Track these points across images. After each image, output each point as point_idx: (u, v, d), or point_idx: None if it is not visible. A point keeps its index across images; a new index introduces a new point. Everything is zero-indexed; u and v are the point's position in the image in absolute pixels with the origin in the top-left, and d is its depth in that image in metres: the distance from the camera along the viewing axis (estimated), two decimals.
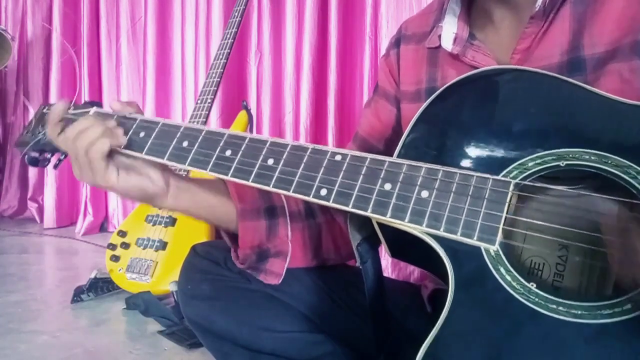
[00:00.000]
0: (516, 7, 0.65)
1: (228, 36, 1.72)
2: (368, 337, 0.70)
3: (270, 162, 0.59)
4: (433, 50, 0.74)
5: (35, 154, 0.77)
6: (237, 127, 1.72)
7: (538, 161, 0.50)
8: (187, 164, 0.62)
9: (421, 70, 0.76)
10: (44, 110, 0.78)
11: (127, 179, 0.65)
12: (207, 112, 1.65)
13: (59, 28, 2.62)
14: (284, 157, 0.58)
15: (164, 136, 0.65)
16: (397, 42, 0.82)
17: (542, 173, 0.49)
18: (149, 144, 0.65)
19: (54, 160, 0.79)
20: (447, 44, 0.70)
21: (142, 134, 0.66)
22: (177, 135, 0.64)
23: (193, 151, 0.63)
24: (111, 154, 0.64)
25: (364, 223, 0.61)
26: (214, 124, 2.07)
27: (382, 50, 1.67)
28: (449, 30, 0.70)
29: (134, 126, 0.67)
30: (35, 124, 0.77)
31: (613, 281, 0.48)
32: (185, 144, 0.64)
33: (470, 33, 0.69)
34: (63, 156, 0.77)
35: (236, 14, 1.74)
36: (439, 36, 0.71)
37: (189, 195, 0.70)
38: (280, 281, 0.74)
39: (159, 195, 0.67)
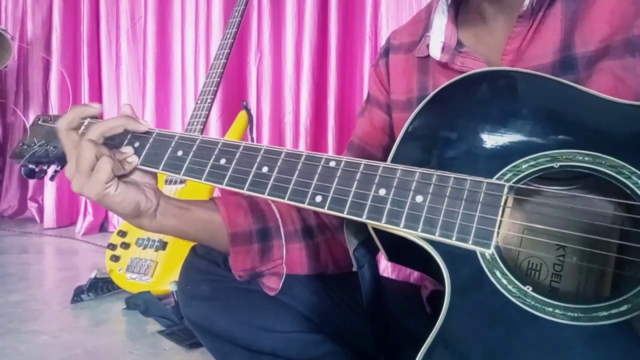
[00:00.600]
0: (508, 6, 0.65)
1: (228, 36, 1.72)
2: (368, 337, 0.70)
3: (265, 169, 0.59)
4: (422, 59, 0.74)
5: (31, 166, 0.76)
6: (237, 127, 1.72)
7: (532, 163, 0.49)
8: (182, 173, 0.62)
9: (412, 80, 0.75)
10: (39, 122, 0.78)
11: (126, 191, 0.62)
12: (207, 112, 1.65)
13: (59, 28, 2.62)
14: (279, 164, 0.58)
15: (158, 146, 0.64)
16: (385, 52, 0.82)
17: (536, 175, 0.49)
18: (143, 154, 0.64)
19: (50, 172, 0.78)
20: (436, 53, 0.69)
21: (136, 144, 0.65)
22: (172, 145, 0.64)
23: (188, 160, 0.62)
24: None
25: (360, 227, 0.61)
26: (214, 124, 2.07)
27: None
28: (437, 39, 0.69)
29: (128, 136, 0.66)
30: (31, 135, 0.77)
31: (610, 283, 0.48)
32: (179, 153, 0.63)
33: (458, 41, 0.69)
34: (59, 168, 0.76)
35: (236, 14, 1.74)
36: (428, 45, 0.71)
37: (178, 212, 0.68)
38: (275, 294, 0.74)
39: (149, 212, 0.65)
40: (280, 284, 0.74)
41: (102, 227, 2.62)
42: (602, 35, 0.58)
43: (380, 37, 1.68)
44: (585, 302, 0.44)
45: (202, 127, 1.63)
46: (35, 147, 0.74)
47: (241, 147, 0.61)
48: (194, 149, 0.63)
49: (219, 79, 1.68)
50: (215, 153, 0.61)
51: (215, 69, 1.69)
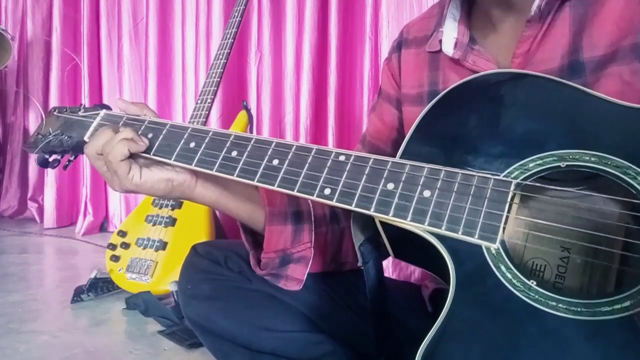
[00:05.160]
0: (516, 10, 0.65)
1: (228, 36, 1.72)
2: (368, 337, 0.70)
3: (275, 162, 0.60)
4: (434, 54, 0.74)
5: (45, 156, 0.78)
6: (237, 127, 1.72)
7: (539, 162, 0.50)
8: (194, 164, 0.64)
9: (423, 74, 0.76)
10: (55, 113, 0.80)
11: (151, 174, 0.66)
12: (207, 112, 1.64)
13: (59, 28, 2.62)
14: (289, 157, 0.59)
15: (171, 137, 0.67)
16: (398, 46, 0.82)
17: (543, 174, 0.50)
18: (156, 145, 0.67)
19: (63, 161, 0.80)
20: (448, 48, 0.70)
21: (150, 135, 0.68)
22: (185, 137, 0.66)
23: (200, 152, 0.64)
24: (132, 156, 0.65)
25: (366, 223, 0.61)
26: (214, 124, 2.07)
27: (382, 50, 1.67)
28: (450, 35, 0.70)
29: (141, 128, 0.69)
30: (46, 126, 0.79)
31: (614, 281, 0.48)
32: (192, 144, 0.65)
33: (470, 37, 0.69)
34: (73, 157, 0.78)
35: (236, 14, 1.74)
36: (440, 41, 0.71)
37: (219, 186, 0.70)
38: (301, 287, 0.74)
39: (188, 183, 0.68)
40: (306, 274, 0.74)
41: (102, 227, 2.62)
42: (611, 39, 0.58)
43: (381, 37, 1.67)
44: (589, 297, 0.44)
45: None
46: (50, 136, 0.76)
47: (253, 140, 0.63)
48: (206, 141, 0.65)
49: (219, 79, 1.68)
50: (227, 145, 0.63)
51: (215, 68, 1.69)
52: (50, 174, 2.61)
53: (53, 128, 0.77)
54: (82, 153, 0.71)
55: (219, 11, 2.11)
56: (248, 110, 1.73)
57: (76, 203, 2.71)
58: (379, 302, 0.65)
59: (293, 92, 1.92)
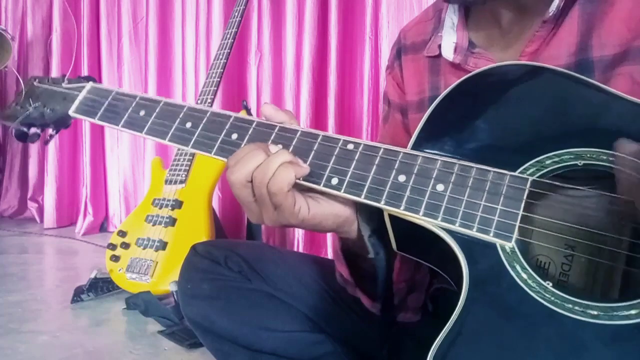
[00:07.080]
0: (526, 12, 0.64)
1: (228, 36, 1.72)
2: (368, 336, 0.70)
3: (279, 147, 0.56)
4: (433, 59, 0.73)
5: (23, 129, 0.73)
6: None
7: (555, 159, 0.49)
8: (190, 146, 0.59)
9: (423, 80, 0.75)
10: (35, 83, 0.75)
11: (320, 207, 0.56)
12: None
13: (59, 28, 2.62)
14: (294, 143, 0.56)
15: (165, 116, 0.62)
16: (398, 54, 0.81)
17: (559, 172, 0.48)
18: (149, 123, 0.62)
19: (44, 136, 0.75)
20: (448, 53, 0.69)
21: (142, 113, 0.63)
22: (180, 116, 0.61)
23: (197, 133, 0.59)
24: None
25: (372, 214, 0.59)
26: None
27: (382, 50, 1.67)
28: (449, 40, 0.69)
29: (132, 104, 0.64)
30: (25, 97, 0.74)
31: (619, 283, 0.48)
32: (188, 125, 0.60)
33: (469, 41, 0.69)
34: (55, 132, 0.74)
35: (236, 14, 1.74)
36: (439, 45, 0.70)
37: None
38: (419, 318, 0.70)
39: (350, 218, 0.59)
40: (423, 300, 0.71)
41: (102, 227, 2.62)
42: (621, 39, 0.58)
43: (381, 37, 1.68)
44: (606, 300, 0.43)
45: None
46: (30, 108, 0.71)
47: (254, 123, 0.58)
48: (204, 121, 0.60)
49: (219, 79, 1.68)
50: (227, 127, 0.59)
51: (215, 68, 1.69)
52: (50, 174, 2.61)
53: (33, 99, 0.72)
54: (65, 127, 0.66)
55: (219, 11, 2.11)
56: (248, 110, 1.73)
57: (76, 203, 2.71)
58: (389, 292, 0.64)
59: (293, 92, 1.92)
